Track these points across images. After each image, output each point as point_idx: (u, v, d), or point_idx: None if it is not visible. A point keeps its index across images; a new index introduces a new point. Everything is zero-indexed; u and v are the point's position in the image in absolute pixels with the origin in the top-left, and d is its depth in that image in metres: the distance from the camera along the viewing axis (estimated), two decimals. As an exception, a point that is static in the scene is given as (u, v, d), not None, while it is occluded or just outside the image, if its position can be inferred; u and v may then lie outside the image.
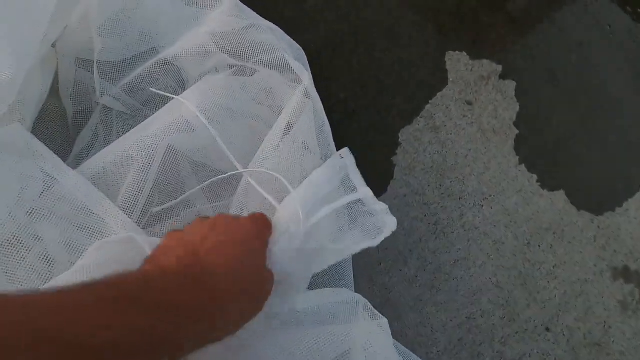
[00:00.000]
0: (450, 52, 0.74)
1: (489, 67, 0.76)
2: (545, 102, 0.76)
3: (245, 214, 0.41)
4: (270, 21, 0.64)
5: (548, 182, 0.69)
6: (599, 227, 0.67)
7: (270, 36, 0.48)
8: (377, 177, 0.60)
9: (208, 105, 0.45)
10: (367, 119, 0.63)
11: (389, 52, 0.69)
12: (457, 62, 0.74)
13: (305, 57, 0.55)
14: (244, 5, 0.49)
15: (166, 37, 0.49)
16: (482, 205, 0.63)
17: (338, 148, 0.53)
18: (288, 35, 0.64)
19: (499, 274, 0.61)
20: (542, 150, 0.72)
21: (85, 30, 0.46)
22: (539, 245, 0.64)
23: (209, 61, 0.46)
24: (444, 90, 0.70)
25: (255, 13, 0.51)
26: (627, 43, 0.83)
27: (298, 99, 0.45)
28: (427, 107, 0.68)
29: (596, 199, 0.69)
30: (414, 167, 0.62)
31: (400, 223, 0.59)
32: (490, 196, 0.64)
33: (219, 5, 0.47)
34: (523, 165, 0.69)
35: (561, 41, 0.82)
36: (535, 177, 0.68)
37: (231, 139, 0.46)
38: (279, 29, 0.52)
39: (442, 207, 0.61)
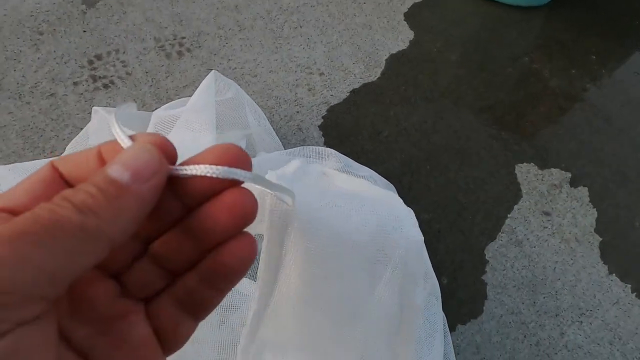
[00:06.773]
0: (519, 164, 0.79)
1: (559, 175, 0.79)
2: (622, 204, 0.77)
3: None
4: (354, 155, 0.73)
5: (645, 291, 0.67)
6: None
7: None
8: (472, 297, 0.62)
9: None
10: (452, 240, 0.67)
11: (461, 172, 0.75)
12: (527, 173, 0.78)
13: (396, 190, 0.61)
14: (347, 158, 0.58)
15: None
16: (581, 322, 0.62)
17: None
18: (372, 165, 0.72)
19: (613, 397, 0.58)
20: (632, 256, 0.71)
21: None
22: (651, 362, 0.61)
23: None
24: (520, 202, 0.74)
25: (350, 160, 0.60)
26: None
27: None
28: (507, 221, 0.71)
29: (702, 306, 0.66)
30: (505, 284, 0.64)
31: (502, 346, 0.60)
32: (588, 311, 0.63)
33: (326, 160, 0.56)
34: (614, 274, 0.68)
35: (626, 140, 0.85)
36: (629, 286, 0.67)
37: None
38: (375, 174, 0.59)
39: (540, 325, 0.61)
